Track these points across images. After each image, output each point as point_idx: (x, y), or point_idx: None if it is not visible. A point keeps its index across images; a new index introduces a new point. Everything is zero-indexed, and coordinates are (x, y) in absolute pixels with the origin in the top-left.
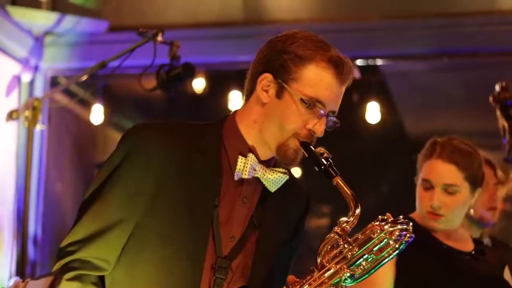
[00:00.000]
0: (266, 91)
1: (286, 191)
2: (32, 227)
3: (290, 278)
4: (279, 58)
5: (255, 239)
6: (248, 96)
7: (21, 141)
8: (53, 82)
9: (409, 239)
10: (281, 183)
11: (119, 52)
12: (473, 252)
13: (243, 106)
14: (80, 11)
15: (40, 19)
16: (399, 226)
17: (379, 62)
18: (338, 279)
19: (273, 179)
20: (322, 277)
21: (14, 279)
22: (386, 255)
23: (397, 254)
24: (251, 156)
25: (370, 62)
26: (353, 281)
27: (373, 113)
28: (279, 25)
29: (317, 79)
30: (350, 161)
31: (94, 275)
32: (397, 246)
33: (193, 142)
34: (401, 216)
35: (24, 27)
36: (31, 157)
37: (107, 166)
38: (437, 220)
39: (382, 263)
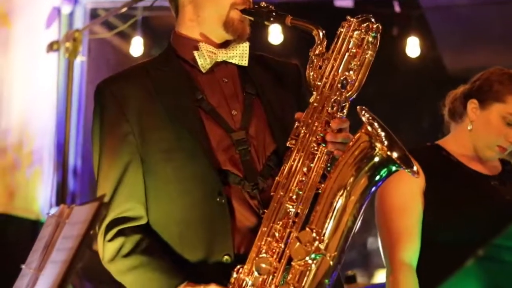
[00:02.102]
0: None
1: (269, 64)
2: (72, 158)
3: (298, 114)
4: None
5: (259, 106)
6: (176, 11)
7: (61, 72)
8: (93, 14)
9: (377, 25)
10: (247, 52)
11: None
12: (500, 175)
13: (177, 19)
14: None
15: None
16: (361, 18)
17: None
18: (336, 87)
19: (238, 53)
20: (322, 94)
21: (55, 208)
22: (367, 52)
23: (376, 49)
24: (202, 44)
25: None
26: (353, 89)
27: (413, 47)
28: None
29: None
30: (390, 95)
31: (133, 226)
32: (371, 36)
33: (149, 65)
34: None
35: None
36: (71, 88)
37: (94, 129)
38: (502, 153)
39: (366, 61)
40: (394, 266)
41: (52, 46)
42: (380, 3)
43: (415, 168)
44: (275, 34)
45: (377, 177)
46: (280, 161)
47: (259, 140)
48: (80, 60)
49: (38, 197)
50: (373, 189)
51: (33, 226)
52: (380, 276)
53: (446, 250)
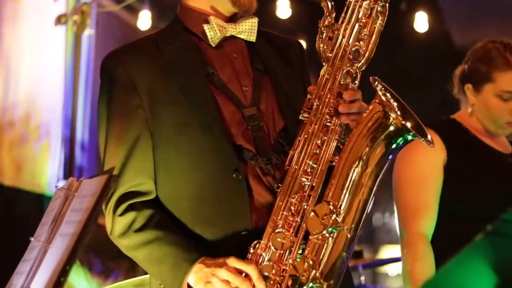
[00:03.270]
0: None
1: (275, 41)
2: (80, 132)
3: (310, 88)
4: None
5: (269, 83)
6: None
7: (69, 46)
8: None
9: None
10: (255, 28)
11: None
12: None
13: None
14: None
15: None
16: None
17: None
18: (347, 58)
19: (247, 28)
20: (333, 66)
21: (63, 182)
22: (376, 21)
23: (385, 18)
24: (212, 18)
25: None
26: (363, 59)
27: (421, 22)
28: None
29: None
30: (398, 70)
31: (143, 200)
32: (380, 5)
33: (158, 39)
34: None
35: None
36: (79, 62)
37: (102, 101)
38: None
39: (376, 30)
40: (410, 237)
41: (60, 19)
42: None
43: (429, 137)
44: (283, 9)
45: (393, 146)
46: (290, 138)
47: (269, 116)
48: (88, 33)
49: (46, 171)
50: (389, 157)
51: (40, 200)
52: (385, 252)
53: (464, 224)
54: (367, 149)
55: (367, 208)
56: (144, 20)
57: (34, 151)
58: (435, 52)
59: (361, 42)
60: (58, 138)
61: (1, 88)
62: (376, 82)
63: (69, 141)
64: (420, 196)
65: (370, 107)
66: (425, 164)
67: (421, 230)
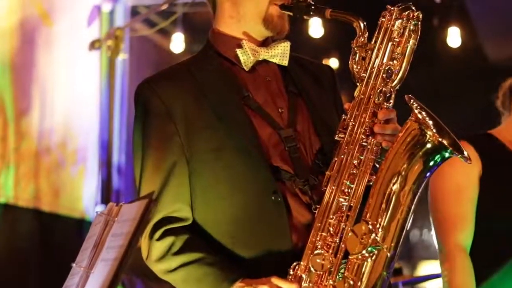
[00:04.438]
0: None
1: (306, 65)
2: (116, 156)
3: (346, 105)
4: None
5: (303, 105)
6: (214, 8)
7: (103, 70)
8: (133, 12)
9: (418, 13)
10: (288, 52)
11: None
12: None
13: (215, 17)
14: None
15: None
16: (402, 7)
17: None
18: (381, 78)
19: (279, 52)
20: (368, 85)
21: (101, 206)
22: (409, 40)
23: (418, 36)
24: (245, 42)
25: None
26: (397, 78)
27: (454, 37)
28: None
29: None
30: (431, 85)
31: (181, 226)
32: (412, 24)
33: (192, 66)
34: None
35: None
36: (114, 86)
37: (137, 130)
38: None
39: (409, 49)
40: (449, 251)
41: (94, 45)
42: None
43: (466, 154)
44: (316, 28)
45: (431, 163)
46: (326, 159)
47: (305, 137)
48: (122, 58)
49: (83, 195)
50: (427, 175)
51: (79, 224)
52: (423, 268)
53: (501, 240)
54: (404, 166)
55: (406, 226)
56: (177, 43)
57: (72, 176)
58: (468, 67)
59: (394, 61)
60: (94, 162)
61: (37, 114)
62: (412, 100)
63: (106, 165)
64: (457, 209)
65: (406, 124)
66: (461, 177)
67: (460, 243)
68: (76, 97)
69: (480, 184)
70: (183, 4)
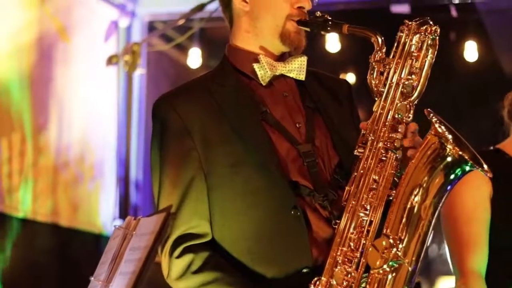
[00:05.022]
0: (243, 0)
1: (323, 80)
2: (134, 171)
3: (362, 125)
4: None
5: (321, 120)
6: (231, 22)
7: (121, 85)
8: (150, 27)
9: (435, 27)
10: (305, 66)
11: None
12: None
13: (232, 31)
14: None
15: None
16: (420, 21)
17: (476, 0)
18: (400, 92)
19: (296, 67)
20: (386, 100)
21: (119, 221)
22: (427, 54)
23: (435, 51)
24: (262, 57)
25: (467, 0)
26: (416, 92)
27: (470, 51)
28: None
29: None
30: (448, 99)
31: (200, 242)
32: (430, 38)
33: (209, 81)
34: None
35: None
36: (131, 101)
37: (154, 145)
38: None
39: (427, 63)
40: (463, 274)
41: (111, 60)
42: (437, 8)
43: (486, 167)
44: (333, 43)
45: (452, 176)
46: (344, 174)
47: (324, 152)
48: (140, 73)
49: (101, 210)
50: (448, 188)
51: (97, 239)
52: (442, 283)
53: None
54: (425, 180)
55: (427, 240)
56: (194, 58)
57: (89, 191)
58: (485, 81)
59: (413, 76)
60: (112, 177)
61: (55, 129)
62: (431, 114)
63: (124, 180)
64: (469, 231)
65: (426, 139)
66: (472, 199)
67: (474, 266)
68: (94, 112)
69: (492, 202)
70: (200, 19)
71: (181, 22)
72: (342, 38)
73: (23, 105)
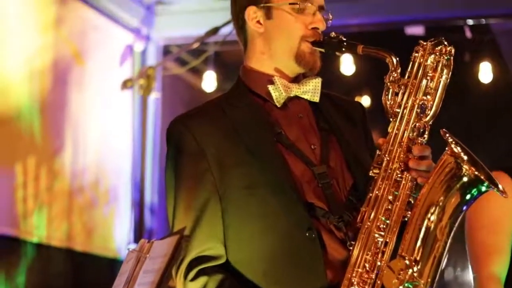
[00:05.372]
0: (258, 21)
1: (336, 102)
2: (149, 195)
3: (380, 140)
4: None
5: (335, 142)
6: (245, 44)
7: (136, 109)
8: (166, 51)
9: (450, 47)
10: (319, 88)
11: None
12: None
13: (246, 53)
14: None
15: None
16: (435, 41)
17: (490, 21)
18: (415, 113)
19: (311, 88)
20: (402, 121)
21: (133, 245)
22: (442, 74)
23: (450, 71)
24: (277, 78)
25: (482, 21)
26: (431, 113)
27: (485, 73)
28: None
29: None
30: (464, 121)
31: (214, 264)
32: (445, 59)
33: (223, 103)
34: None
35: None
36: (146, 125)
37: (169, 167)
38: None
39: (442, 83)
40: (482, 280)
41: (126, 84)
42: (451, 29)
43: (501, 188)
44: (347, 65)
45: (468, 196)
46: (360, 195)
47: (339, 174)
48: (154, 96)
49: (115, 235)
50: (464, 208)
51: (111, 264)
52: None
53: None
54: (441, 199)
55: (442, 261)
56: (209, 82)
57: (104, 216)
58: (500, 102)
59: (428, 96)
60: (127, 201)
61: (70, 154)
62: (447, 135)
63: (139, 205)
64: (493, 239)
65: (442, 158)
66: (497, 209)
67: (494, 273)
68: (109, 136)
69: None
70: (214, 43)
71: (195, 45)
72: (356, 60)
73: (38, 129)
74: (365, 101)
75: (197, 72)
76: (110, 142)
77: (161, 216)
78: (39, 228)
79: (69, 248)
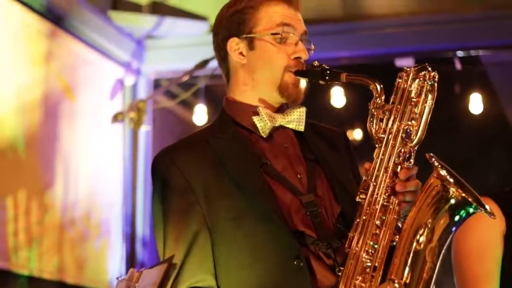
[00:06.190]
0: (240, 53)
1: (320, 131)
2: (140, 228)
3: (367, 165)
4: (233, 19)
5: (321, 171)
6: (228, 76)
7: (126, 142)
8: (156, 85)
9: (434, 73)
10: (304, 117)
11: None
12: None
13: (229, 85)
14: (180, 13)
15: (141, 22)
16: (419, 67)
17: (480, 53)
18: (401, 138)
19: (296, 118)
20: (387, 146)
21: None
22: (426, 99)
23: (435, 96)
24: (261, 109)
25: (471, 53)
26: (416, 138)
27: (475, 104)
28: (377, 20)
29: (273, 13)
30: (454, 152)
31: None
32: (429, 84)
33: (208, 135)
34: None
35: (126, 31)
36: (137, 158)
37: (156, 201)
38: None
39: (427, 108)
40: None
41: (116, 117)
42: (441, 61)
43: (489, 209)
44: (338, 97)
45: (456, 218)
46: (347, 222)
47: (326, 202)
48: (145, 129)
49: (107, 268)
50: (453, 229)
51: None
52: None
53: None
54: (429, 221)
55: (432, 284)
56: (200, 115)
57: (96, 248)
58: (490, 133)
59: (412, 121)
60: (119, 234)
61: (61, 187)
62: (433, 159)
63: (130, 237)
64: (481, 268)
65: (429, 181)
66: (485, 235)
67: None
68: (100, 169)
69: (505, 240)
70: (204, 76)
71: (185, 78)
72: (347, 92)
73: (29, 163)
74: (357, 134)
75: (188, 106)
76: (101, 175)
77: (152, 248)
78: (31, 261)
79: (60, 281)
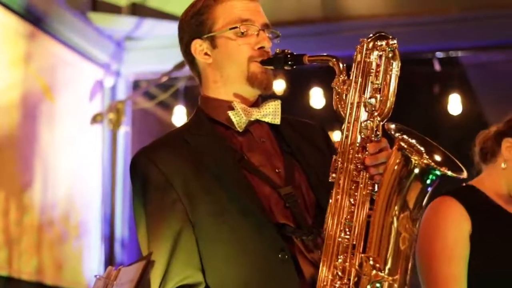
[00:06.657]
0: (205, 53)
1: (295, 125)
2: (119, 229)
3: (336, 144)
4: (192, 22)
5: (297, 164)
6: (199, 76)
7: (105, 143)
8: (135, 86)
9: (394, 40)
10: (279, 110)
11: None
12: None
13: (202, 85)
14: (159, 14)
15: (120, 24)
16: (374, 36)
17: (459, 54)
18: (366, 111)
19: (271, 111)
20: (350, 120)
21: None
22: (391, 68)
23: (399, 63)
24: (236, 103)
25: (451, 54)
26: (386, 110)
27: (454, 105)
28: (357, 22)
29: (230, 8)
30: None
31: None
32: (389, 51)
33: (185, 133)
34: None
35: (105, 33)
36: (116, 159)
37: (137, 201)
38: None
39: (392, 79)
40: None
41: (96, 118)
42: (420, 62)
43: (458, 164)
44: (317, 99)
45: (425, 185)
46: (324, 212)
47: (304, 194)
48: (124, 130)
49: (86, 269)
50: (425, 199)
51: None
52: None
53: None
54: (399, 193)
55: (410, 255)
56: (179, 116)
57: (74, 250)
58: (469, 134)
59: (379, 92)
60: (97, 235)
61: (40, 188)
62: (392, 128)
63: (109, 239)
64: (449, 269)
65: (392, 155)
66: (450, 236)
67: None
68: (79, 170)
69: (471, 239)
70: (183, 77)
71: (164, 79)
72: (326, 93)
73: (7, 164)
74: (337, 135)
75: (167, 107)
76: (80, 176)
77: (131, 249)
78: (9, 262)
79: (39, 282)
